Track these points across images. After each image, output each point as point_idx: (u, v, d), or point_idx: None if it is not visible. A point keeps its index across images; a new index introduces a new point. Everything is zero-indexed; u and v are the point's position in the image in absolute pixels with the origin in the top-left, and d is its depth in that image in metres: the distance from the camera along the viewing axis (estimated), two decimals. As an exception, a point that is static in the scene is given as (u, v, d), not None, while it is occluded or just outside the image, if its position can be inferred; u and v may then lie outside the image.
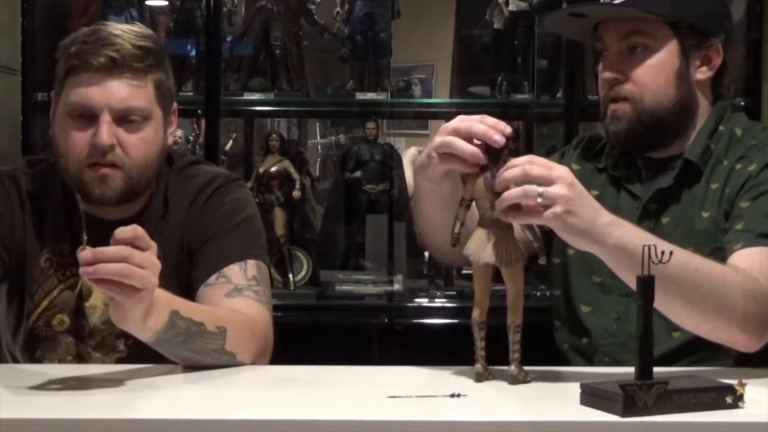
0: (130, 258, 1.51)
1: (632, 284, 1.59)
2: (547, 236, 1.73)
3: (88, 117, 1.86)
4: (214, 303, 1.84)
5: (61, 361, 1.92)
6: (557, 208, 1.54)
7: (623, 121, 1.90)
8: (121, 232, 1.54)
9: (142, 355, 1.73)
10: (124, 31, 1.88)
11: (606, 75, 1.92)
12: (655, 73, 1.89)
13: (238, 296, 1.85)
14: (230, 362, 1.73)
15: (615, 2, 1.87)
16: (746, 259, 1.72)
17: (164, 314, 1.62)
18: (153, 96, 1.89)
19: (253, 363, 1.77)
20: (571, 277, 1.97)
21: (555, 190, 1.54)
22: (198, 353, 1.69)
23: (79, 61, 1.85)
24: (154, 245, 1.57)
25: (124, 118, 1.86)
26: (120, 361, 1.90)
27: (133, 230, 1.55)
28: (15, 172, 1.97)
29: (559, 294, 2.01)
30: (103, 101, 1.84)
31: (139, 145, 1.88)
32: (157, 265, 1.56)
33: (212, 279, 1.87)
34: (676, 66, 1.89)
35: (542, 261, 1.60)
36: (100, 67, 1.84)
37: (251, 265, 1.90)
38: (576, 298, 1.96)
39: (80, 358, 1.92)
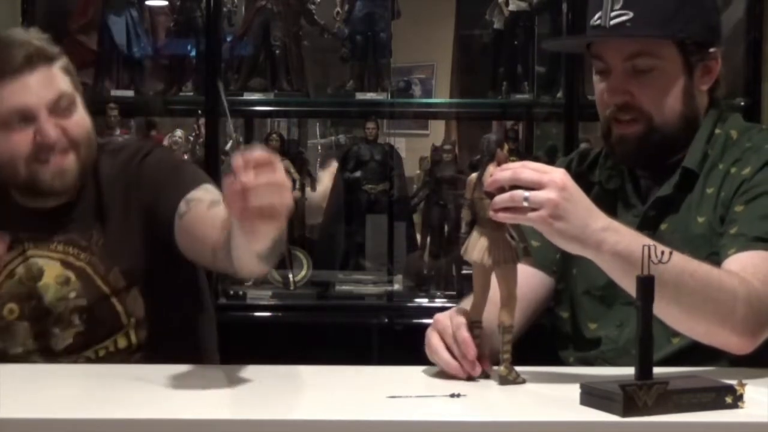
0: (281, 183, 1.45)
1: (628, 288, 1.61)
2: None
3: (23, 119, 1.90)
4: (200, 221, 1.85)
5: (23, 346, 1.95)
6: (543, 212, 1.55)
7: (632, 144, 1.87)
8: (259, 157, 1.43)
9: (96, 330, 1.81)
10: (21, 32, 1.97)
11: (613, 98, 1.88)
12: (664, 94, 1.86)
13: (220, 205, 1.80)
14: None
15: (618, 20, 1.83)
16: (740, 263, 1.72)
17: None
18: (68, 80, 1.96)
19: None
20: (576, 298, 1.95)
21: (542, 194, 1.55)
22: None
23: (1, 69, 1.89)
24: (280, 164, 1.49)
25: (57, 107, 1.92)
26: (78, 336, 1.94)
27: (268, 156, 1.45)
28: None
29: (567, 317, 1.99)
30: (36, 99, 1.90)
31: (80, 124, 1.95)
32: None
33: (183, 208, 1.89)
34: (682, 83, 1.87)
35: (527, 263, 1.60)
36: (18, 67, 1.89)
37: (211, 188, 1.93)
38: (583, 318, 1.95)
39: (42, 339, 1.95)
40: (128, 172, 2.00)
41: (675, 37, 1.85)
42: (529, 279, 1.90)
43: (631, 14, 1.83)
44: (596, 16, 1.87)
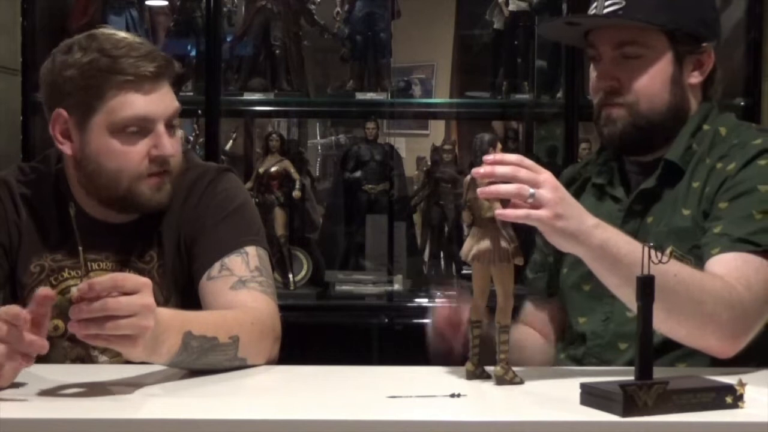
0: (116, 311, 1.48)
1: (610, 285, 1.68)
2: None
3: (141, 130, 1.85)
4: (219, 296, 1.84)
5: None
6: (547, 212, 1.58)
7: (618, 124, 1.91)
8: (99, 284, 1.49)
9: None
10: (142, 40, 1.91)
11: (601, 84, 1.92)
12: (650, 81, 1.89)
13: (243, 288, 1.84)
14: (241, 365, 1.73)
15: (610, 9, 1.87)
16: (723, 265, 1.73)
17: (177, 338, 1.60)
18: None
19: (265, 362, 1.77)
20: (567, 293, 1.99)
21: (544, 193, 1.58)
22: (210, 365, 1.68)
23: (133, 76, 1.83)
24: (145, 281, 1.53)
25: (168, 124, 1.88)
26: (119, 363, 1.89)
27: (112, 279, 1.50)
28: (7, 178, 1.97)
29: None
30: (160, 111, 1.86)
31: (178, 147, 1.91)
32: (148, 304, 1.52)
33: (215, 271, 1.87)
34: (670, 72, 1.90)
35: (518, 262, 1.61)
36: (151, 76, 1.84)
37: (252, 255, 1.89)
38: (573, 313, 1.97)
39: (82, 362, 1.91)
40: (187, 202, 1.95)
41: (664, 26, 1.88)
42: (555, 308, 2.02)
43: (623, 3, 1.87)
44: (593, 6, 1.93)
